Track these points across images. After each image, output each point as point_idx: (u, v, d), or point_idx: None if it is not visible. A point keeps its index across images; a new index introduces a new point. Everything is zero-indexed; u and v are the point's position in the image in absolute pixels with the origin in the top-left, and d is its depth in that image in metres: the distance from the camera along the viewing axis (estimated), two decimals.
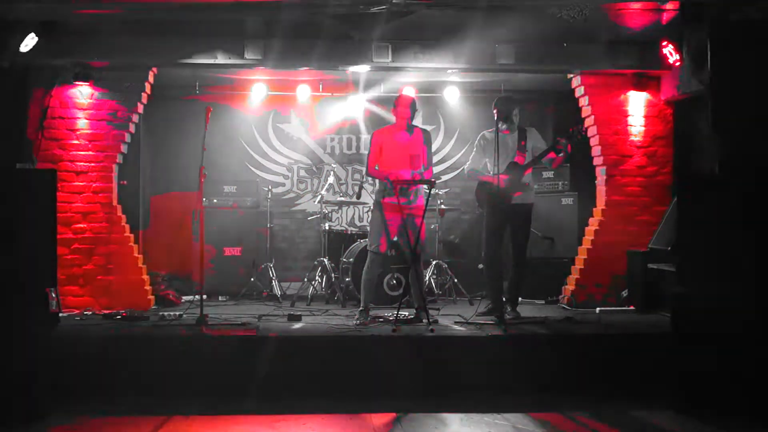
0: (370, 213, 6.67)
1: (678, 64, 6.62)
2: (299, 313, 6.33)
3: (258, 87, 8.10)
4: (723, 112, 4.63)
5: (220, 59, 6.80)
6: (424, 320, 5.73)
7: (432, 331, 5.47)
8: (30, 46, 6.15)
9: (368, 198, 8.11)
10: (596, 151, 7.35)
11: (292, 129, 8.85)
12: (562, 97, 8.21)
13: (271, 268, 7.78)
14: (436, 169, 6.41)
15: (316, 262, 7.63)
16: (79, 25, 6.46)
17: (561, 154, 5.94)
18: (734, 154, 4.74)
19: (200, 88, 8.10)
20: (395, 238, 6.01)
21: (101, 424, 4.38)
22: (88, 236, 6.89)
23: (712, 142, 5.16)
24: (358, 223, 8.74)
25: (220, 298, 7.68)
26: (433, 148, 7.78)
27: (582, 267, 7.27)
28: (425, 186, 5.93)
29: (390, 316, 6.03)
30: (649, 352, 5.19)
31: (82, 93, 6.92)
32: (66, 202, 6.78)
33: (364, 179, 8.39)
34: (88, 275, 6.87)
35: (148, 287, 7.07)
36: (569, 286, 7.31)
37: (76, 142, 6.92)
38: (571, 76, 7.37)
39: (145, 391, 4.90)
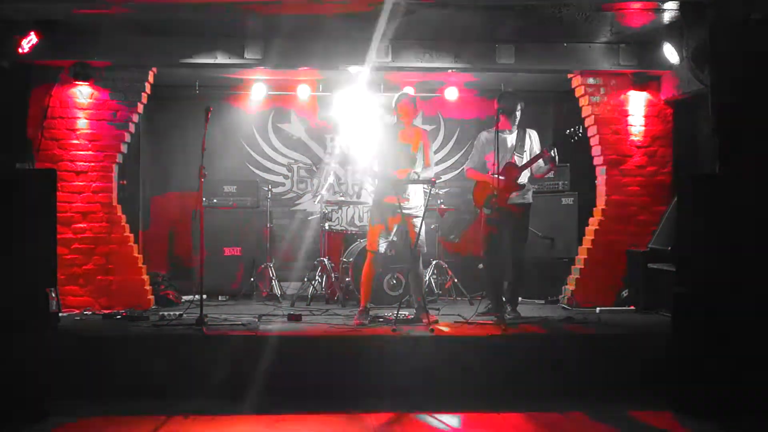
0: (370, 213, 6.67)
1: (678, 64, 6.62)
2: (299, 313, 6.33)
3: (258, 87, 8.11)
4: (723, 112, 4.63)
5: (220, 59, 6.81)
6: (424, 320, 5.73)
7: (432, 331, 5.47)
8: (30, 46, 6.15)
9: (368, 198, 8.10)
10: (596, 150, 7.36)
11: (292, 129, 8.85)
12: (562, 97, 8.22)
13: (271, 268, 7.77)
14: (436, 169, 6.39)
15: (316, 262, 7.63)
16: (79, 25, 6.47)
17: (547, 165, 5.96)
18: (734, 154, 4.73)
19: (200, 88, 8.10)
20: (394, 238, 6.00)
21: (101, 424, 4.38)
22: (88, 236, 6.89)
23: (712, 142, 5.16)
24: (358, 223, 8.74)
25: (220, 298, 7.68)
26: (433, 147, 7.78)
27: (582, 267, 7.27)
28: (425, 186, 5.94)
29: (390, 316, 6.03)
30: (649, 352, 5.19)
31: (82, 93, 6.92)
32: (66, 202, 6.78)
33: (364, 179, 8.38)
34: (88, 275, 6.87)
35: (148, 287, 7.07)
36: (569, 286, 7.31)
37: (76, 142, 6.92)
38: (571, 76, 7.38)
39: (145, 391, 4.90)
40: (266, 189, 8.12)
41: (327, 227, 7.71)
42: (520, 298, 6.41)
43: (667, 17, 6.27)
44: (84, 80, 6.85)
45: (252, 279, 7.73)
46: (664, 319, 6.10)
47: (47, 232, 4.64)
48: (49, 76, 6.86)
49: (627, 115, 7.28)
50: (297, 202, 8.88)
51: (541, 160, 5.95)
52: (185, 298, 7.31)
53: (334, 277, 7.44)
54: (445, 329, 5.65)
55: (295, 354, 5.18)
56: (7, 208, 4.53)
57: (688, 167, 7.06)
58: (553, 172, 6.27)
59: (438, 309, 6.67)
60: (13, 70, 6.42)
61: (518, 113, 6.09)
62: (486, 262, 6.19)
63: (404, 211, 5.83)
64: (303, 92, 8.22)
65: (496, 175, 5.81)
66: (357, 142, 8.84)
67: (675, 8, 5.99)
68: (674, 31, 6.46)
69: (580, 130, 6.04)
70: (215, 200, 7.99)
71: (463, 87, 8.32)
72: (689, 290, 4.67)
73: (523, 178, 6.05)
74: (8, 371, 4.39)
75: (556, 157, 5.87)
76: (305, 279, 7.66)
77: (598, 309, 6.80)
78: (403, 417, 4.50)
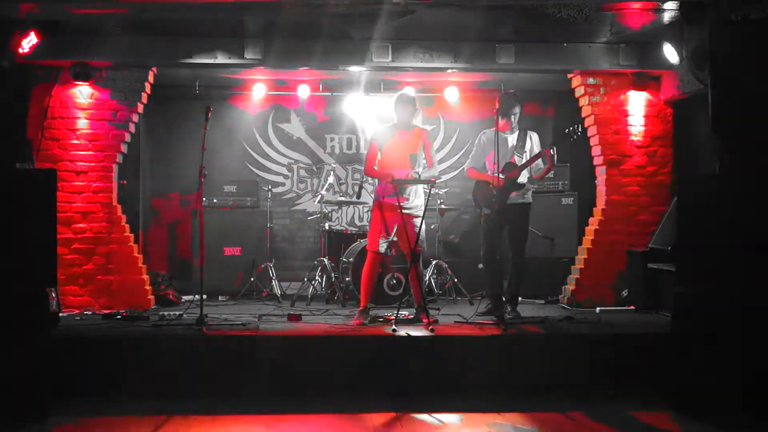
0: (370, 213, 6.67)
1: (678, 64, 6.62)
2: (299, 313, 6.33)
3: (258, 87, 8.11)
4: (723, 112, 4.62)
5: (220, 59, 6.81)
6: (424, 320, 5.73)
7: (432, 331, 5.47)
8: (30, 46, 6.15)
9: (368, 198, 8.10)
10: (596, 150, 7.36)
11: (292, 129, 8.85)
12: (562, 97, 8.21)
13: (271, 268, 7.77)
14: (438, 168, 6.39)
15: (316, 262, 7.63)
16: (79, 25, 6.47)
17: (546, 165, 5.96)
18: (734, 154, 4.73)
19: (200, 88, 8.10)
20: (395, 238, 6.00)
21: (101, 424, 4.38)
22: (88, 236, 6.89)
23: (712, 142, 5.16)
24: (358, 223, 8.74)
25: (220, 298, 7.68)
26: (434, 147, 7.78)
27: (582, 267, 7.27)
28: (425, 185, 5.94)
29: (390, 316, 6.03)
30: (649, 352, 5.19)
31: (82, 93, 6.92)
32: (66, 202, 6.78)
33: (364, 179, 8.39)
34: (88, 275, 6.87)
35: (148, 287, 7.07)
36: (569, 286, 7.31)
37: (76, 142, 6.92)
38: (571, 76, 7.37)
39: (145, 391, 4.90)
40: (266, 189, 8.12)
41: (327, 227, 7.71)
42: (520, 298, 6.41)
43: (667, 17, 6.27)
44: (84, 80, 6.85)
45: (252, 279, 7.73)
46: (664, 319, 6.11)
47: (47, 232, 4.63)
48: (49, 76, 6.86)
49: (627, 115, 7.28)
50: (297, 202, 8.87)
51: (539, 160, 5.96)
52: (185, 298, 7.31)
53: (334, 277, 7.44)
54: (445, 329, 5.65)
55: (295, 354, 5.18)
56: (7, 208, 4.53)
57: (688, 167, 7.06)
58: (551, 171, 6.28)
59: (438, 309, 6.67)
60: (13, 70, 6.41)
61: (516, 114, 6.09)
62: (485, 262, 6.19)
63: (404, 210, 5.83)
64: (303, 92, 8.22)
65: (497, 174, 5.82)
66: (357, 142, 8.85)
67: (675, 8, 5.99)
68: (674, 31, 6.46)
69: (579, 129, 6.05)
70: (215, 200, 7.99)
71: (463, 87, 8.32)
72: (689, 290, 4.67)
73: (523, 177, 6.05)
74: (8, 371, 4.39)
75: (555, 156, 5.87)
76: (305, 279, 7.66)
77: (598, 309, 6.80)
78: (403, 417, 4.50)
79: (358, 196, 7.78)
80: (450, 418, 4.49)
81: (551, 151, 5.85)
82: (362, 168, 8.60)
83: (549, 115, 8.73)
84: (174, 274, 8.05)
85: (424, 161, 6.03)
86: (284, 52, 6.81)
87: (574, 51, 6.95)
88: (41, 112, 6.85)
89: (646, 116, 7.29)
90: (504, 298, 6.17)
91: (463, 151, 8.75)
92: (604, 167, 7.29)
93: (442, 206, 7.85)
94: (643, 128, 7.28)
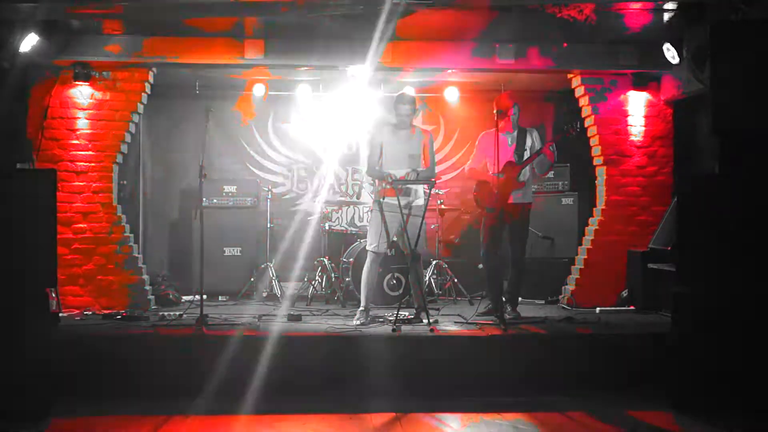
0: (370, 213, 6.67)
1: (678, 64, 6.62)
2: (299, 313, 6.33)
3: (258, 87, 8.10)
4: (723, 112, 4.62)
5: (220, 59, 6.81)
6: (424, 320, 5.73)
7: (432, 331, 5.47)
8: (30, 46, 6.15)
9: (368, 198, 8.11)
10: (596, 151, 7.36)
11: (292, 129, 8.84)
12: (562, 97, 8.22)
13: (271, 268, 7.77)
14: (437, 169, 6.39)
15: (316, 262, 7.63)
16: (79, 25, 6.47)
17: (547, 162, 5.97)
18: (734, 154, 4.74)
19: (200, 88, 8.10)
20: (395, 238, 6.00)
21: (101, 424, 4.38)
22: (88, 236, 6.89)
23: (712, 142, 5.16)
24: (358, 223, 8.73)
25: (220, 298, 7.68)
26: (433, 148, 7.79)
27: (582, 267, 7.27)
28: (425, 185, 5.94)
29: (390, 316, 6.03)
30: (649, 352, 5.19)
31: (82, 93, 6.92)
32: (66, 202, 6.79)
33: (364, 179, 8.39)
34: (88, 275, 6.87)
35: (148, 287, 7.07)
36: (569, 286, 7.32)
37: (76, 142, 6.92)
38: (571, 76, 7.37)
39: (145, 391, 4.90)
40: (266, 189, 8.12)
41: (327, 227, 7.71)
42: (520, 298, 6.41)
43: (667, 17, 6.27)
44: (84, 80, 6.86)
45: (252, 279, 7.73)
46: (664, 319, 6.11)
47: (47, 232, 4.63)
48: (49, 76, 6.86)
49: (627, 115, 7.28)
50: (297, 202, 8.87)
51: (540, 157, 5.96)
52: (185, 298, 7.32)
53: (334, 277, 7.44)
54: (445, 329, 5.65)
55: (295, 354, 5.17)
56: (7, 208, 4.53)
57: (688, 167, 7.06)
58: (552, 171, 6.28)
59: (438, 309, 6.67)
60: (13, 70, 6.41)
61: (514, 114, 6.09)
62: (486, 261, 6.19)
63: (404, 211, 5.82)
64: (303, 92, 8.22)
65: (497, 174, 5.82)
66: (357, 142, 8.84)
67: (675, 8, 6.00)
68: (674, 31, 6.46)
69: (578, 126, 6.04)
70: (215, 200, 7.99)
71: (463, 87, 8.32)
72: (689, 290, 4.67)
73: (523, 177, 6.05)
74: (8, 371, 4.39)
75: (555, 153, 5.88)
76: (305, 279, 7.66)
77: (598, 309, 6.80)
78: (403, 417, 4.50)
79: (358, 196, 7.78)
80: (450, 418, 4.49)
81: (551, 148, 5.86)
82: (362, 168, 8.63)
83: (549, 115, 8.73)
84: (174, 274, 8.05)
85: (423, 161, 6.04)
86: (284, 52, 6.82)
87: (574, 51, 6.95)
88: (41, 112, 6.86)
89: (646, 116, 7.29)
90: (504, 299, 6.17)
91: (463, 151, 8.75)
92: (604, 167, 7.29)
93: (442, 206, 7.85)
94: (643, 128, 7.29)
